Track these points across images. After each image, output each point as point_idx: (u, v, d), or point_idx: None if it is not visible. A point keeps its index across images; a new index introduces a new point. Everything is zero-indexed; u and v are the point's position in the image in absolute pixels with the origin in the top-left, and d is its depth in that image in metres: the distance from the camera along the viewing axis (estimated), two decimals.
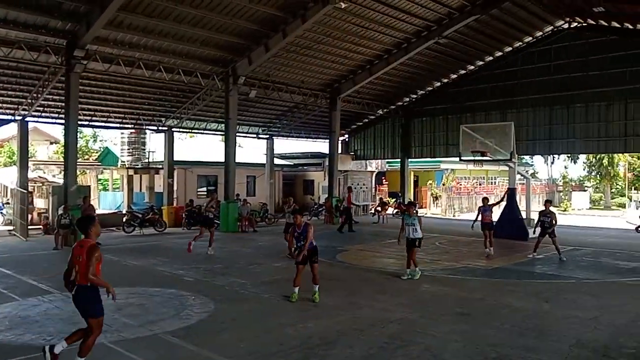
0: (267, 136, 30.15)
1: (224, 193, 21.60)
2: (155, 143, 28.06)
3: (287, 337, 6.98)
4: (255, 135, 30.22)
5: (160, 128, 25.78)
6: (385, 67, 23.85)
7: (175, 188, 26.17)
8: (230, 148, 21.62)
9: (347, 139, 33.74)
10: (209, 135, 30.66)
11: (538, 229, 14.27)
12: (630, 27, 21.96)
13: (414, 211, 11.35)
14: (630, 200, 44.34)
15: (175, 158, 26.20)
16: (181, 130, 27.57)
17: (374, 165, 35.93)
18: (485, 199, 16.05)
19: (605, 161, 45.62)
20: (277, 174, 31.79)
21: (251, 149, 35.42)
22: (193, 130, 28.59)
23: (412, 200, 32.52)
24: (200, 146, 33.44)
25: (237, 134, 25.02)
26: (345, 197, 23.90)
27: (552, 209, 14.84)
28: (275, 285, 10.31)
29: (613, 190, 48.55)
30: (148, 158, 28.04)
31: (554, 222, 13.93)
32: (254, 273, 11.85)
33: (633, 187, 47.70)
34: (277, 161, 32.18)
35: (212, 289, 10.02)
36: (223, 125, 23.17)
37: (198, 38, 18.68)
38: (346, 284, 10.61)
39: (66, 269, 5.72)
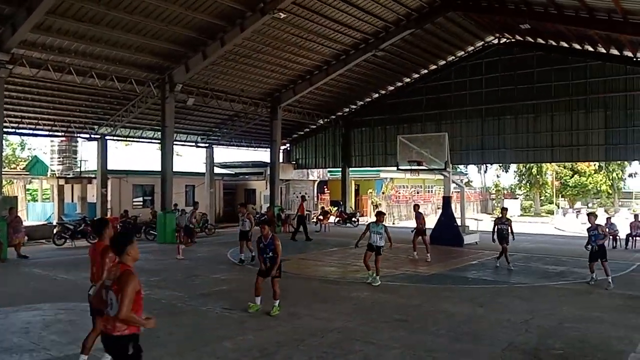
0: (207, 145, 29.66)
1: (161, 203, 21.03)
2: (87, 151, 26.99)
3: (225, 350, 6.83)
4: (194, 144, 29.68)
5: (92, 136, 24.85)
6: (324, 78, 24.10)
7: (109, 198, 25.23)
8: (167, 157, 21.08)
9: (288, 148, 33.76)
10: (146, 144, 29.84)
11: (495, 237, 13.88)
12: (554, 43, 23.29)
13: (382, 220, 11.77)
14: (558, 207, 46.91)
15: (109, 167, 25.30)
16: (115, 138, 26.67)
17: (316, 174, 36.12)
18: (416, 206, 16.85)
19: (534, 170, 47.99)
20: (218, 183, 31.33)
21: (191, 158, 34.72)
22: (128, 139, 27.73)
23: (354, 209, 32.98)
24: (136, 155, 32.45)
25: (175, 143, 24.46)
26: (298, 205, 23.77)
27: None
28: (214, 298, 10.10)
29: (542, 197, 51.12)
30: (80, 167, 26.92)
31: (510, 229, 13.79)
32: (192, 285, 11.56)
33: (560, 195, 50.39)
34: (217, 170, 31.72)
35: (148, 303, 9.53)
36: (159, 133, 22.62)
37: (132, 44, 18.15)
38: (287, 294, 10.48)
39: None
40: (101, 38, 17.28)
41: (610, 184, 48.64)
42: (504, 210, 14.87)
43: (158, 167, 21.69)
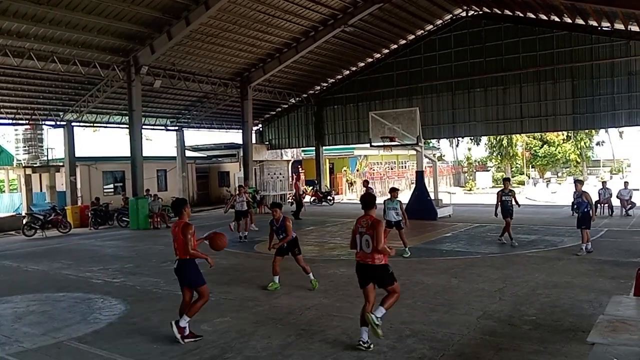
0: (177, 128, 29.20)
1: (132, 189, 20.73)
2: (54, 139, 26.32)
3: (203, 333, 6.78)
4: (163, 127, 29.16)
5: (58, 123, 24.19)
6: (294, 56, 23.83)
7: (78, 186, 24.72)
8: (135, 141, 20.70)
9: (261, 129, 33.49)
10: (114, 129, 29.22)
11: (498, 210, 13.02)
12: (521, 14, 23.43)
13: (396, 196, 12.33)
14: (529, 177, 47.78)
15: (77, 154, 24.74)
16: (82, 124, 26.03)
17: (290, 154, 35.97)
18: (365, 182, 18.22)
19: (504, 142, 48.59)
20: (190, 167, 30.97)
21: (161, 142, 34.18)
22: (95, 124, 27.09)
23: (329, 188, 33.05)
24: (105, 141, 31.80)
25: (144, 127, 24.04)
26: (294, 185, 23.85)
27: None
28: None
29: (513, 169, 51.89)
30: (47, 155, 26.26)
31: (515, 200, 12.92)
32: (168, 270, 11.34)
33: (530, 165, 51.27)
34: (189, 153, 31.36)
35: (122, 290, 9.57)
36: (127, 117, 22.17)
37: (94, 26, 17.58)
38: (264, 275, 10.50)
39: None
40: (61, 21, 16.69)
41: (578, 152, 49.64)
42: (507, 181, 13.90)
43: (128, 153, 21.31)
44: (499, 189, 13.91)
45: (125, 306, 8.34)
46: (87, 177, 25.57)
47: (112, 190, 26.79)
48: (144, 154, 21.27)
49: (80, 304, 8.65)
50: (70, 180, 24.11)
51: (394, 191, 12.51)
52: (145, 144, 23.02)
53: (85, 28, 17.51)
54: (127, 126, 22.93)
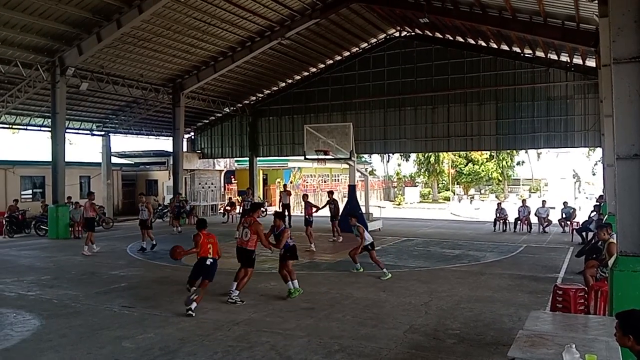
0: (103, 133, 28.00)
1: (52, 195, 19.65)
2: None
3: (124, 350, 6.48)
4: (89, 132, 27.87)
5: None
6: (230, 65, 23.59)
7: None
8: (58, 145, 19.66)
9: (193, 137, 32.76)
10: (35, 132, 27.59)
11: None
12: (451, 38, 24.46)
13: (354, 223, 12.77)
14: (454, 193, 49.65)
15: None
16: (0, 126, 24.43)
17: (222, 164, 35.42)
18: (305, 196, 17.53)
19: (432, 159, 50.31)
20: (116, 174, 29.76)
21: (85, 147, 32.66)
22: (14, 126, 25.47)
23: (262, 199, 32.76)
24: (25, 144, 29.99)
25: (67, 130, 22.88)
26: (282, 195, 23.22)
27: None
28: (113, 295, 9.58)
29: (439, 185, 53.76)
30: None
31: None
32: (88, 283, 10.87)
33: (456, 182, 53.32)
34: (115, 160, 30.11)
35: (38, 304, 8.99)
36: (50, 120, 21.01)
37: (18, 23, 16.57)
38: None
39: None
40: None
41: (500, 171, 52.13)
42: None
43: (49, 157, 20.20)
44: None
45: (40, 321, 7.84)
46: (3, 181, 23.95)
47: (31, 196, 25.26)
48: (66, 159, 20.24)
49: None
50: None
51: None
52: (69, 149, 21.94)
53: (8, 24, 16.46)
54: (50, 129, 21.75)
